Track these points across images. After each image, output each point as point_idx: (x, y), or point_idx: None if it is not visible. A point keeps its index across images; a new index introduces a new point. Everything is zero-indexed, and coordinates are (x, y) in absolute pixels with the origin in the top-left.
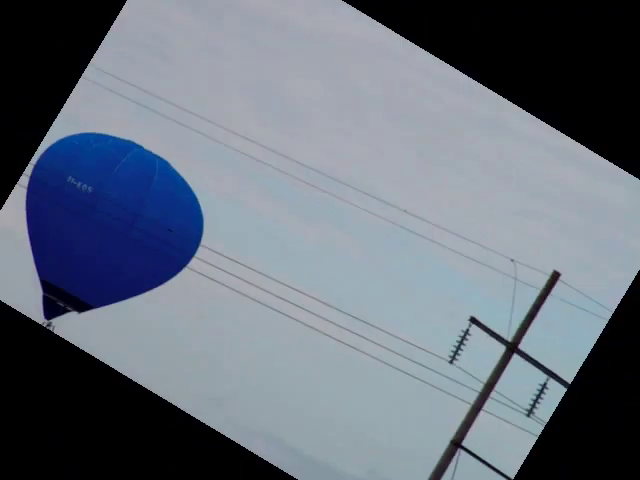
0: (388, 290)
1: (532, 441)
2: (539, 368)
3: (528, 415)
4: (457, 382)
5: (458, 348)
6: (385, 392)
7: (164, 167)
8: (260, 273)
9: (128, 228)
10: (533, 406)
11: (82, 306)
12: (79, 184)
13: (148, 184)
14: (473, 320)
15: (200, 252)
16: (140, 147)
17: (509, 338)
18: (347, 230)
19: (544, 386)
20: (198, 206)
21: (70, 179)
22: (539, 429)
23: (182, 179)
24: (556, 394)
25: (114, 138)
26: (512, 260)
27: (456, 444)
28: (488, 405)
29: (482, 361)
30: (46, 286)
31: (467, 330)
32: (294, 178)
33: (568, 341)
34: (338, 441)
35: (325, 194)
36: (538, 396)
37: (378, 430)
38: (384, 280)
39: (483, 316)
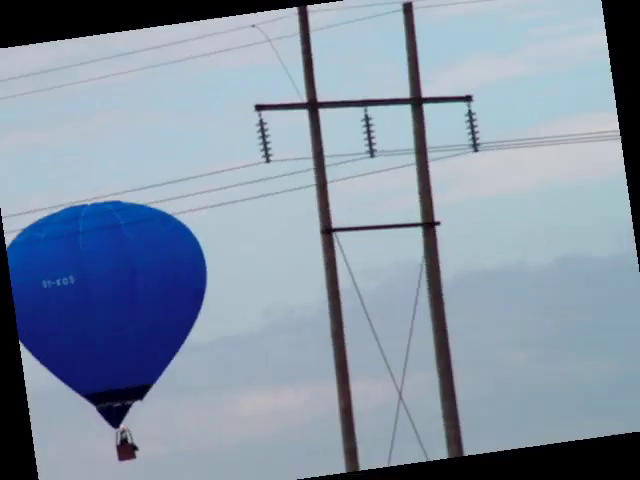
0: None
1: None
2: (352, 105)
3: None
4: (289, 174)
5: (265, 144)
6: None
7: (120, 208)
8: None
9: (130, 289)
10: None
11: (140, 391)
12: (58, 281)
13: (120, 236)
14: (259, 107)
15: None
16: (83, 206)
17: (304, 99)
18: None
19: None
20: (190, 234)
21: (46, 283)
22: None
23: (144, 207)
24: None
25: (53, 215)
26: (253, 26)
27: (328, 230)
28: (333, 174)
29: (297, 138)
30: (93, 399)
31: (261, 120)
32: None
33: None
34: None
35: None
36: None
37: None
38: None
39: (265, 97)
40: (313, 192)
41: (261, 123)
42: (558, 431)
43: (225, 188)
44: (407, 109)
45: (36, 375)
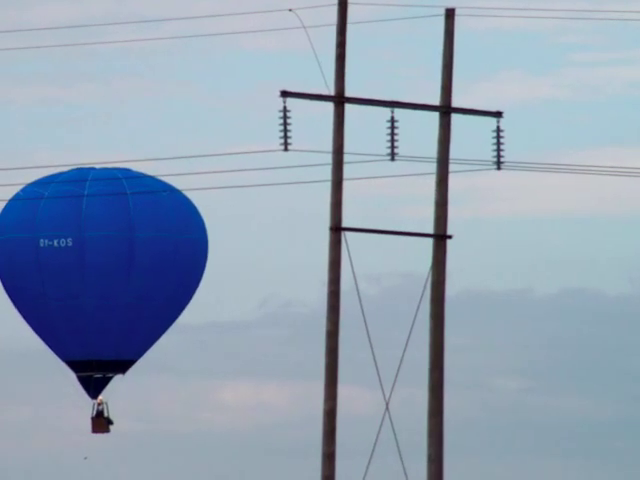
0: None
1: None
2: (379, 105)
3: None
4: (305, 166)
5: (285, 131)
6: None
7: (129, 176)
8: None
9: (127, 261)
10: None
11: (123, 365)
12: (55, 242)
13: (125, 204)
14: (285, 93)
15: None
16: (91, 168)
17: (332, 91)
18: None
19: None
20: (192, 205)
21: (43, 242)
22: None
23: (154, 179)
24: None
25: (59, 174)
26: (290, 10)
27: (337, 228)
28: (350, 172)
29: (319, 131)
30: (74, 366)
31: (284, 107)
32: None
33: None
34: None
35: None
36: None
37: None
38: None
39: (292, 82)
40: (327, 187)
41: (284, 110)
42: (538, 464)
43: (239, 171)
44: (435, 117)
45: (19, 334)
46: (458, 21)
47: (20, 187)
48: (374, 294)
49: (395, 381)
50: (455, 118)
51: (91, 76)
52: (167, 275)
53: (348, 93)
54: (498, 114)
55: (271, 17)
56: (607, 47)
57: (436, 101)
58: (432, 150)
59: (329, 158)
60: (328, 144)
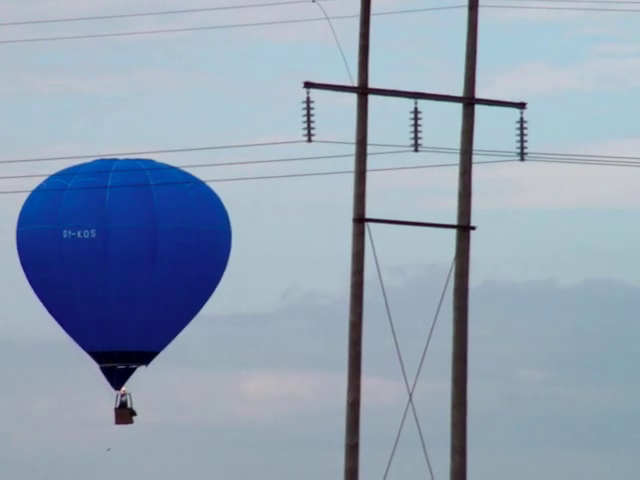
0: None
1: None
2: (403, 96)
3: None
4: (328, 157)
5: (308, 122)
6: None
7: (152, 167)
8: None
9: (151, 252)
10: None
11: (146, 356)
12: (79, 233)
13: (149, 196)
14: (308, 85)
15: None
16: (115, 159)
17: (355, 82)
18: None
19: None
20: (217, 199)
21: (66, 233)
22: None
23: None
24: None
25: (83, 165)
26: (313, 1)
27: (360, 219)
28: (373, 163)
29: (342, 122)
30: (98, 357)
31: (308, 98)
32: None
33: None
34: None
35: None
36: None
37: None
38: None
39: (315, 73)
40: (350, 178)
41: (308, 101)
42: (561, 455)
43: (262, 162)
44: (458, 108)
45: (42, 325)
46: (481, 12)
47: (43, 178)
48: (397, 285)
49: (418, 372)
50: (478, 109)
51: (114, 67)
52: (190, 266)
53: (371, 84)
54: (521, 105)
55: (294, 8)
56: (631, 39)
57: (459, 92)
58: (455, 141)
59: (352, 149)
60: (351, 135)
